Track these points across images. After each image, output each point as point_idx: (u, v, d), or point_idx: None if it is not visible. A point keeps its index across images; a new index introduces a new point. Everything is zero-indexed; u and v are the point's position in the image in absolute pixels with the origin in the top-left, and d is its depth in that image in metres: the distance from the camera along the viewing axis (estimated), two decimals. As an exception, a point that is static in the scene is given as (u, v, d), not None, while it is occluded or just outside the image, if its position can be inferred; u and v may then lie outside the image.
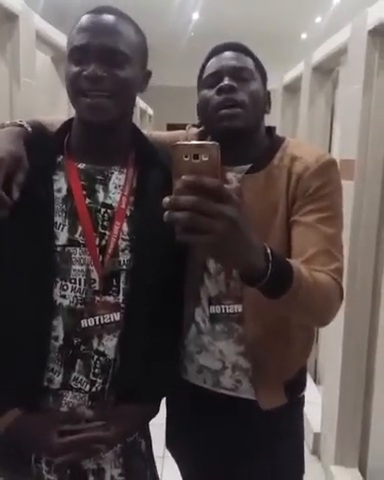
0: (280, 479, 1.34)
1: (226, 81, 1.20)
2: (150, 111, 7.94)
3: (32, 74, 2.46)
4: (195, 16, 6.77)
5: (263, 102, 1.27)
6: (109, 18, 1.07)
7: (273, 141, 1.30)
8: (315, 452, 2.83)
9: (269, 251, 0.88)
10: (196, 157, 0.73)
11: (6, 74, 2.32)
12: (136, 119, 4.66)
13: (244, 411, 1.29)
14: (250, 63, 1.25)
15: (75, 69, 1.06)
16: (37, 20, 2.55)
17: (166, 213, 0.73)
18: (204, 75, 1.26)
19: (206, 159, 0.73)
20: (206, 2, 6.09)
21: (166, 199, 0.73)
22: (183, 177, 0.73)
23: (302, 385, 1.39)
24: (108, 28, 1.06)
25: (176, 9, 6.34)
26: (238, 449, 1.34)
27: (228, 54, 1.25)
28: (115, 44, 1.05)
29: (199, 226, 0.73)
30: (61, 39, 2.80)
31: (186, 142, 0.75)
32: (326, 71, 3.36)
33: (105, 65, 1.05)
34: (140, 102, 6.08)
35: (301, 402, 1.40)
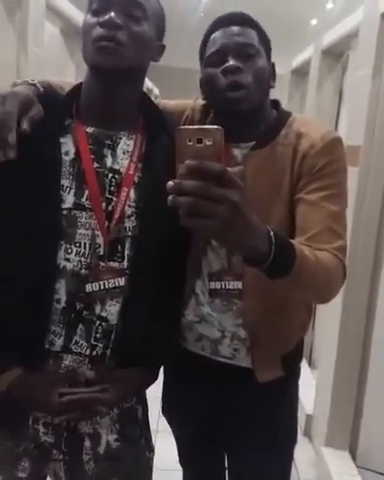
0: (275, 447, 1.36)
1: (231, 62, 1.19)
2: (156, 91, 7.88)
3: (41, 44, 2.45)
4: (206, -3, 6.68)
5: (268, 78, 1.26)
6: None
7: (279, 116, 1.30)
8: (307, 433, 2.86)
9: (272, 234, 0.88)
10: (200, 141, 0.73)
11: (14, 43, 2.31)
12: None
13: (241, 379, 1.31)
14: (255, 37, 1.23)
15: (92, 20, 1.05)
16: (48, -10, 2.53)
17: (170, 197, 0.73)
18: (208, 51, 1.24)
19: (210, 143, 0.73)
20: (217, -17, 6.02)
21: (170, 183, 0.73)
22: (187, 162, 0.73)
23: (299, 357, 1.41)
24: None
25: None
26: (235, 418, 1.35)
27: (232, 29, 1.22)
28: None
29: (202, 211, 0.73)
30: (71, 11, 2.77)
31: (190, 126, 0.75)
32: (336, 55, 3.33)
33: (123, 16, 1.04)
34: (147, 81, 6.05)
35: (297, 373, 1.42)
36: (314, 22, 7.27)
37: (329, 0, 6.27)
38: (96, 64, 1.06)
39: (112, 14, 1.02)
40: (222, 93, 1.19)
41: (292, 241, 1.02)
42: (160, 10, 1.14)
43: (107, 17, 1.02)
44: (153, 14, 1.09)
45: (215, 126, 0.74)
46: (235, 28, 1.22)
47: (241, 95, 1.18)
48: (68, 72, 3.01)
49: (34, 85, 1.14)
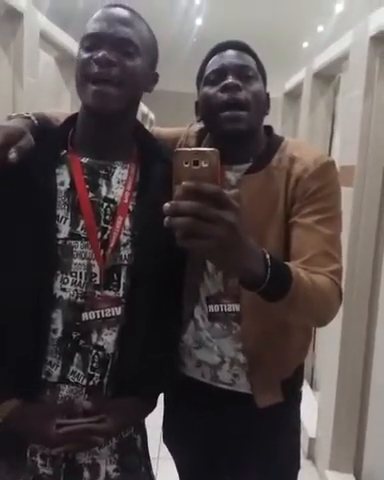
0: (277, 472, 1.35)
1: (230, 79, 1.21)
2: (152, 116, 7.96)
3: (35, 73, 2.48)
4: (198, 22, 6.80)
5: (264, 102, 1.28)
6: (124, 12, 1.10)
7: (272, 141, 1.31)
8: (310, 457, 2.83)
9: (268, 256, 0.89)
10: (196, 163, 0.75)
11: (9, 73, 2.34)
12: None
13: (242, 405, 1.30)
14: (253, 62, 1.26)
15: (86, 55, 1.07)
16: (42, 20, 2.57)
17: (166, 218, 0.74)
18: (206, 72, 1.26)
19: (206, 165, 0.75)
20: (209, 8, 6.13)
21: (166, 205, 0.74)
22: (183, 183, 0.74)
23: (299, 382, 1.40)
24: (122, 20, 1.08)
25: (180, 15, 6.37)
26: (235, 442, 1.34)
27: (231, 52, 1.25)
28: (128, 34, 1.07)
29: (199, 231, 0.73)
30: (66, 40, 2.82)
31: (186, 149, 0.77)
32: (327, 78, 3.37)
33: (116, 52, 1.05)
34: (142, 106, 6.12)
35: (298, 397, 1.41)
36: (305, 45, 7.39)
37: (320, 23, 6.39)
38: (91, 108, 1.08)
39: (105, 51, 1.04)
40: (220, 111, 1.21)
41: (288, 264, 1.02)
42: (152, 40, 1.16)
43: (100, 54, 1.04)
44: (145, 46, 1.11)
45: (211, 148, 0.76)
46: (234, 52, 1.25)
47: (239, 115, 1.20)
48: (64, 101, 3.04)
49: (29, 118, 1.15)
